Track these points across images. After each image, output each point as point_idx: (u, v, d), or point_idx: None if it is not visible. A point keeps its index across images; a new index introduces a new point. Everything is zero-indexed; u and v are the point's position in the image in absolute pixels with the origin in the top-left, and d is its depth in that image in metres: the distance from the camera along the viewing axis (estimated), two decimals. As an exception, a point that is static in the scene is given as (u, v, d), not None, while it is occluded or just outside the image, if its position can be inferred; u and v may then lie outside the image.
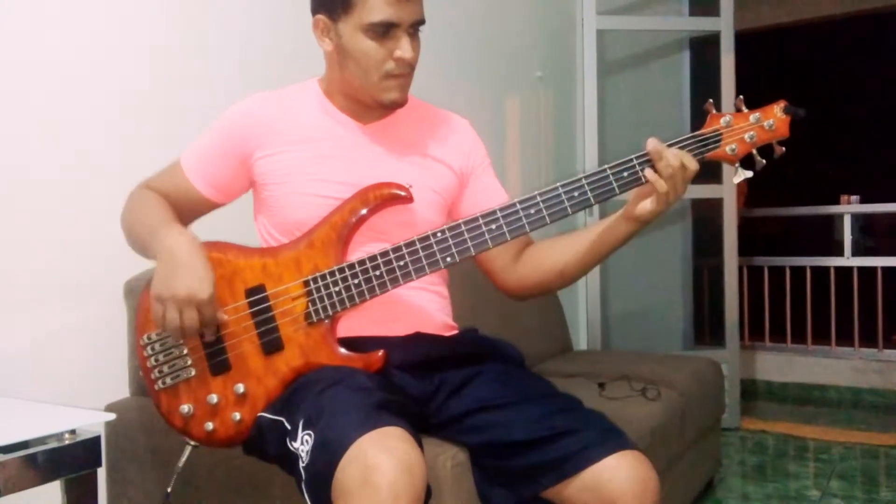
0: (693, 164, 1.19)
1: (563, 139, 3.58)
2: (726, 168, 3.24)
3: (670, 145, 1.21)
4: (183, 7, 1.89)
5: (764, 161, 1.23)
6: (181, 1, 1.88)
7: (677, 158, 1.18)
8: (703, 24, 3.63)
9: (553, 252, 1.36)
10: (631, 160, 1.21)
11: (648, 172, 1.19)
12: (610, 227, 1.28)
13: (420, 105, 1.42)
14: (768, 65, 6.11)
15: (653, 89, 4.03)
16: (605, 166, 1.21)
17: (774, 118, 1.22)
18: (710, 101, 1.24)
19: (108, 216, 1.70)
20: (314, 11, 1.29)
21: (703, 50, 3.96)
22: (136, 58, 1.78)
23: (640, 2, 3.90)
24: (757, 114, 1.22)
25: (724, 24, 3.40)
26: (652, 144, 1.19)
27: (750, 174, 1.22)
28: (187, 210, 1.37)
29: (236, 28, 2.02)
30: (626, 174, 1.20)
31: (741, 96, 1.23)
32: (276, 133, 1.32)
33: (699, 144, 1.22)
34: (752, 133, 1.22)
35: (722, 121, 1.22)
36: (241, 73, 2.00)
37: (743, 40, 3.61)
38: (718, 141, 1.22)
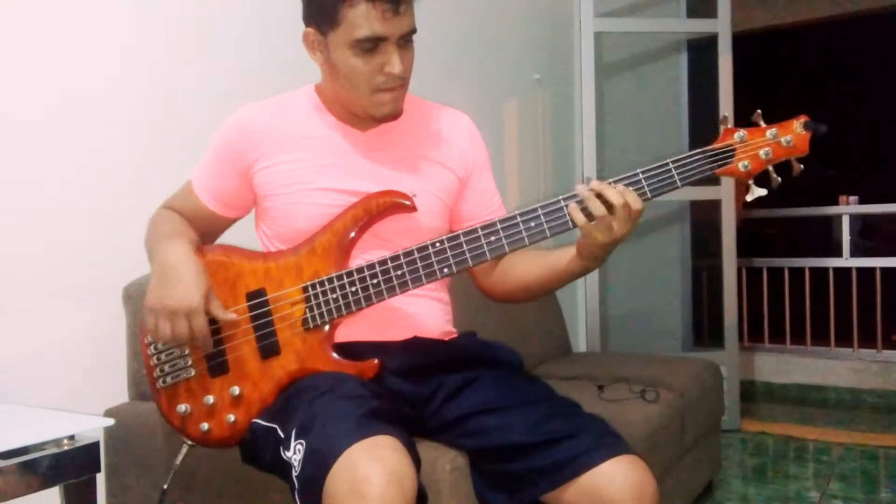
0: (637, 204, 1.14)
1: (561, 141, 3.58)
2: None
3: (678, 160, 1.17)
4: (183, 14, 1.89)
5: (780, 179, 1.17)
6: (181, 9, 1.89)
7: (619, 196, 1.14)
8: (701, 26, 3.63)
9: (520, 268, 1.36)
10: (636, 173, 1.19)
11: (573, 210, 1.16)
12: (567, 259, 1.28)
13: (418, 104, 1.39)
14: (766, 66, 6.13)
15: (650, 91, 4.04)
16: (609, 181, 1.19)
17: (793, 134, 1.16)
18: (725, 115, 1.19)
19: (106, 222, 1.71)
20: (305, 23, 1.28)
21: (701, 52, 3.97)
22: (135, 69, 1.79)
23: (637, 4, 3.91)
24: (774, 129, 1.16)
25: (722, 26, 3.40)
26: (582, 189, 1.16)
27: (764, 192, 1.17)
28: (206, 228, 1.38)
29: (235, 34, 2.02)
30: (631, 188, 1.18)
31: (759, 110, 1.17)
32: (274, 144, 1.31)
33: (710, 159, 1.17)
34: (767, 149, 1.16)
35: (736, 136, 1.17)
36: (241, 80, 2.01)
37: (740, 42, 3.61)
38: (731, 156, 1.17)
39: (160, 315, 1.19)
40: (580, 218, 1.16)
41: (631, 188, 1.16)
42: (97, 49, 1.71)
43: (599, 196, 1.15)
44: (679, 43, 4.13)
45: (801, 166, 1.17)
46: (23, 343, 1.57)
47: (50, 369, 1.62)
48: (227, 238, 1.42)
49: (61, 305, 1.64)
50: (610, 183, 1.17)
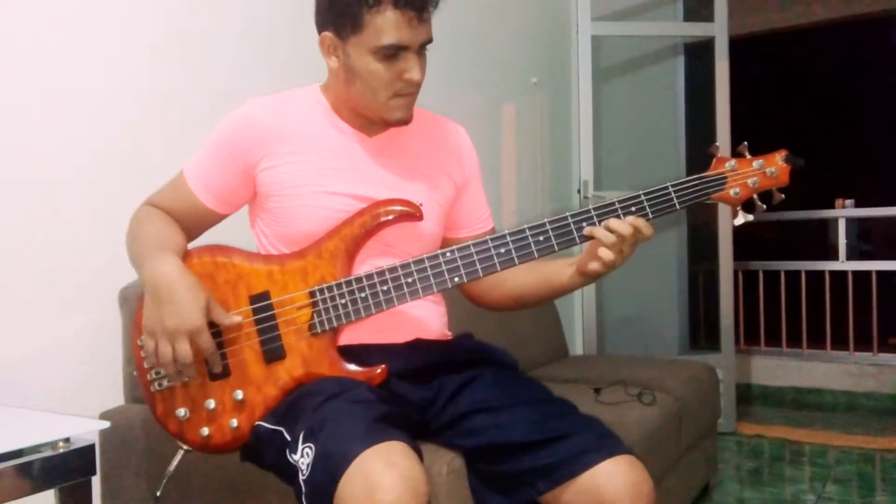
0: (648, 230, 1.21)
1: (558, 145, 3.59)
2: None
3: (677, 185, 1.24)
4: (183, 13, 1.89)
5: (765, 206, 1.27)
6: (181, 8, 1.88)
7: (628, 226, 1.20)
8: (698, 30, 3.64)
9: (514, 277, 1.37)
10: (638, 195, 1.24)
11: (599, 236, 1.21)
12: (563, 273, 1.32)
13: (417, 112, 1.39)
14: (763, 70, 6.14)
15: (648, 94, 4.05)
16: (614, 199, 1.24)
17: (776, 166, 1.26)
18: (717, 144, 1.29)
19: (103, 225, 1.70)
20: (320, 28, 1.27)
21: (698, 55, 3.98)
22: (135, 69, 1.78)
23: (634, 8, 3.92)
24: (760, 160, 1.26)
25: (718, 30, 3.41)
26: (590, 231, 1.22)
27: (751, 217, 1.27)
28: (193, 223, 1.34)
29: (235, 34, 2.02)
30: (633, 209, 1.23)
31: (745, 142, 1.27)
32: (281, 143, 1.29)
33: (704, 185, 1.26)
34: (755, 179, 1.26)
35: (727, 164, 1.26)
36: (241, 80, 2.00)
37: (737, 46, 3.62)
38: (723, 184, 1.26)
39: (160, 337, 1.16)
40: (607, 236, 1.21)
41: (636, 213, 1.23)
42: (97, 49, 1.71)
43: (613, 232, 1.20)
44: (676, 47, 4.14)
45: (782, 196, 1.27)
46: (19, 344, 1.57)
47: (46, 371, 1.61)
48: (220, 236, 1.41)
49: (58, 307, 1.64)
50: (615, 207, 1.23)
